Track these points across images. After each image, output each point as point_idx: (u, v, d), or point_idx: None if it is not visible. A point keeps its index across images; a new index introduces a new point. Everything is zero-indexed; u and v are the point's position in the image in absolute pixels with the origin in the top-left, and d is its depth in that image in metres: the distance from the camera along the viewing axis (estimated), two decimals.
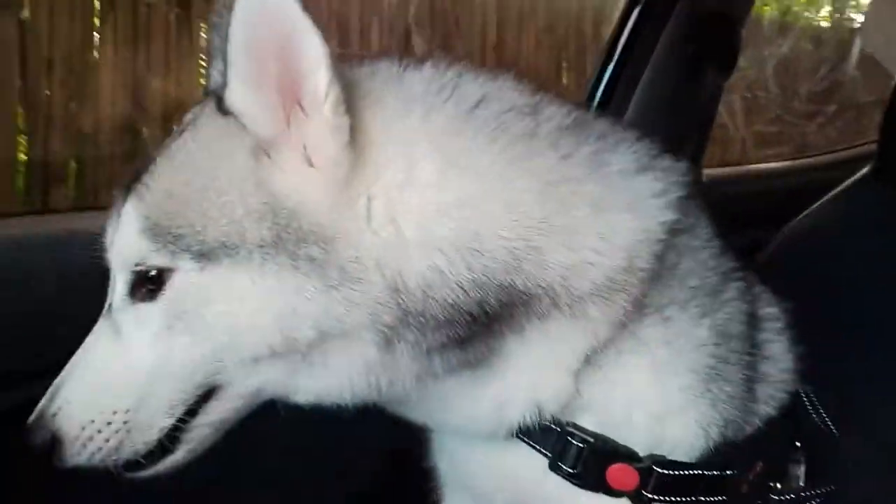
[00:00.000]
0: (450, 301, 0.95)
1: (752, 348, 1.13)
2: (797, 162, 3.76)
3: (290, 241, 0.95)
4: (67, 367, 1.04)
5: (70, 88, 3.77)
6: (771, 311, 1.23)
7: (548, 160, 1.02)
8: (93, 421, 1.00)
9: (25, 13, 3.66)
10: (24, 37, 3.59)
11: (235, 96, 0.97)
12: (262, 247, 0.95)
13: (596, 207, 1.01)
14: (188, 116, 1.11)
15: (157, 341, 0.99)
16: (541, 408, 1.03)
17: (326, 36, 0.92)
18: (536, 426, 1.04)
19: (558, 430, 1.04)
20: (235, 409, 1.04)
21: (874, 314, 1.55)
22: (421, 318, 0.95)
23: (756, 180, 3.41)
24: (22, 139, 3.69)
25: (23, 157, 3.65)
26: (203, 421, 1.03)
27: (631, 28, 2.38)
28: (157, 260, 0.97)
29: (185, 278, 0.97)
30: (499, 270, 0.96)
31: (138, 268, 0.99)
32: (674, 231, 1.05)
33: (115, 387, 1.01)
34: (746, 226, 2.03)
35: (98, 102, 3.92)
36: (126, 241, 1.00)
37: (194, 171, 1.00)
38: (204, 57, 1.23)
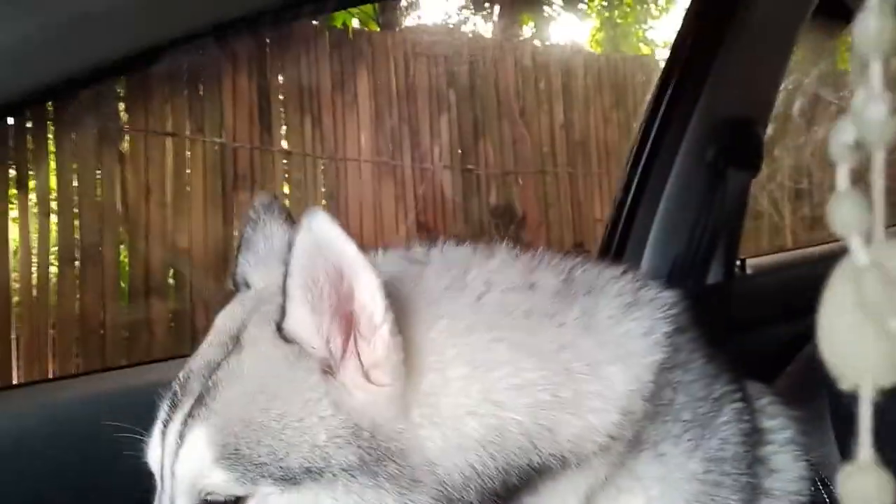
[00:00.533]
0: (484, 487, 1.01)
1: (751, 466, 1.14)
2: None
3: (372, 460, 0.98)
4: None
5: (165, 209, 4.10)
6: (776, 423, 1.25)
7: (547, 333, 1.08)
8: None
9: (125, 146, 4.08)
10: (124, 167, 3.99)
11: (297, 325, 1.01)
12: (346, 469, 0.98)
13: (592, 366, 1.06)
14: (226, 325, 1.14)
15: None
16: None
17: None
18: None
19: None
20: None
21: None
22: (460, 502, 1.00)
23: (804, 264, 3.32)
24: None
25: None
26: None
27: (653, 137, 2.41)
28: (235, 489, 0.98)
29: (264, 502, 0.98)
30: (519, 454, 1.01)
31: (210, 496, 1.00)
32: (664, 369, 1.08)
33: None
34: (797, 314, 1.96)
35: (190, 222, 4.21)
36: (196, 470, 1.00)
37: (269, 397, 1.01)
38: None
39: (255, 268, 1.25)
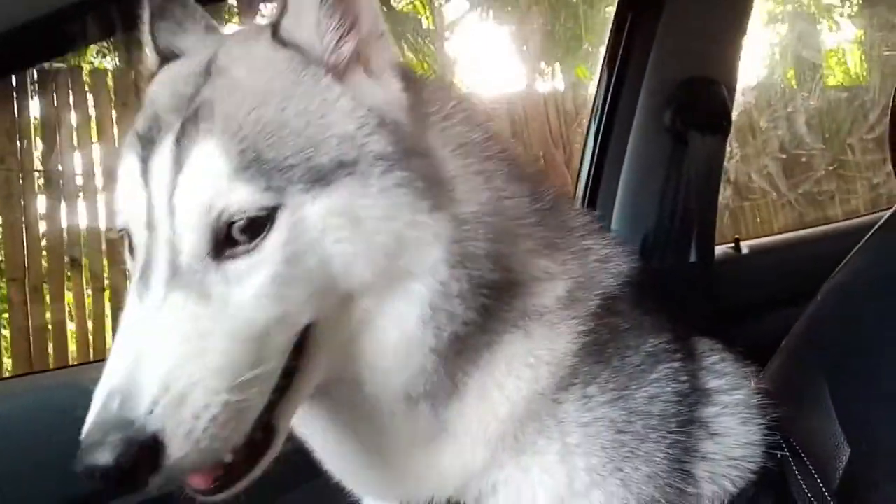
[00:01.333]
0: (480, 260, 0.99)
1: (684, 427, 1.10)
2: (846, 223, 3.49)
3: (403, 151, 0.94)
4: (123, 355, 0.83)
5: None
6: (722, 382, 1.20)
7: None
8: (207, 405, 0.81)
9: None
10: None
11: (296, 25, 0.99)
12: (380, 158, 0.93)
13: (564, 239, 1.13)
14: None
15: (262, 294, 0.87)
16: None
17: None
18: None
19: None
20: (315, 377, 0.96)
21: None
22: (469, 265, 0.97)
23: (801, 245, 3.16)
24: None
25: None
26: (291, 396, 0.93)
27: (608, 104, 2.29)
28: (263, 201, 0.87)
29: (295, 214, 0.88)
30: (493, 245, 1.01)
31: (236, 217, 0.87)
32: (610, 309, 1.10)
33: (219, 360, 0.84)
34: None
35: None
36: (212, 190, 0.87)
37: (282, 98, 0.93)
38: None
39: (179, 35, 1.13)
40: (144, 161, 0.92)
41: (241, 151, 0.88)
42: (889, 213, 1.81)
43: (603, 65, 2.35)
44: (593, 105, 2.36)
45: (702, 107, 2.23)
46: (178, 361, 0.81)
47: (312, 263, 0.89)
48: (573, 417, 1.04)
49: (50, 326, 3.86)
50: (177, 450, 0.79)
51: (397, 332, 0.96)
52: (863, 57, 6.75)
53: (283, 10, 0.99)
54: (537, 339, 1.04)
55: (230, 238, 0.87)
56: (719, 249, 2.79)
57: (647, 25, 2.22)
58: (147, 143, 0.92)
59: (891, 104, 1.70)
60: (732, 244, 2.89)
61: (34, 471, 1.53)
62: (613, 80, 2.27)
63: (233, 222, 0.87)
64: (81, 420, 0.83)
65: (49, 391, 1.75)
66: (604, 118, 2.29)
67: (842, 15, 6.96)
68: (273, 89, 0.94)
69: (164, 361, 0.81)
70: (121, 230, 0.98)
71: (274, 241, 0.87)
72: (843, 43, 6.97)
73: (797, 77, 5.94)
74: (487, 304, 1.00)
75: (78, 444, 0.82)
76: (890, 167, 1.80)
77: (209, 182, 0.87)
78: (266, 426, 0.90)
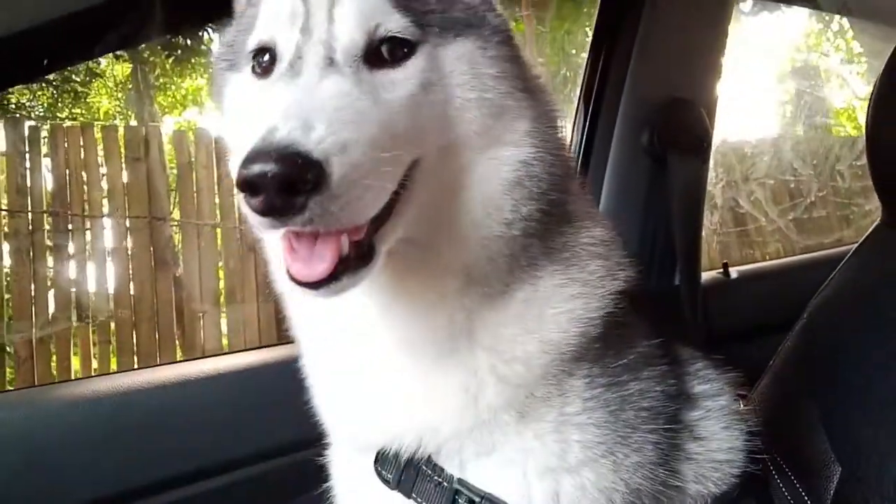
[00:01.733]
0: (547, 165, 1.13)
1: (671, 426, 1.15)
2: (837, 249, 3.47)
3: (510, 36, 1.13)
4: (289, 110, 0.89)
5: None
6: (707, 388, 1.26)
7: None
8: (362, 161, 0.88)
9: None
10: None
11: None
12: (497, 32, 1.11)
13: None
14: None
15: (401, 104, 1.00)
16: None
17: None
18: (429, 474, 1.10)
19: (445, 484, 1.08)
20: (410, 212, 1.02)
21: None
22: (542, 159, 1.11)
23: (793, 272, 3.14)
24: None
25: None
26: (391, 222, 1.00)
27: (587, 126, 2.28)
28: (410, 30, 1.03)
29: (433, 51, 1.05)
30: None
31: (392, 33, 1.02)
32: (620, 301, 1.14)
33: (373, 131, 0.93)
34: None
35: None
36: (374, 8, 1.02)
37: None
38: None
39: None
40: None
41: None
42: (871, 228, 1.80)
43: (581, 87, 2.35)
44: (572, 127, 2.35)
45: (679, 128, 2.23)
46: (342, 118, 0.89)
47: (439, 96, 1.04)
48: (576, 391, 1.09)
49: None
50: (336, 184, 0.84)
51: (482, 193, 1.07)
52: None
53: None
54: (577, 282, 1.13)
55: (378, 54, 1.02)
56: (708, 274, 2.78)
57: (623, 47, 2.23)
58: None
59: (865, 127, 1.70)
60: (721, 269, 2.87)
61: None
62: (592, 103, 2.26)
63: (384, 40, 1.02)
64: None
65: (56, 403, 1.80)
66: (583, 140, 2.28)
67: (850, 73, 7.02)
68: None
69: (329, 115, 0.89)
70: (258, 49, 1.08)
71: (415, 64, 1.03)
72: (853, 100, 7.00)
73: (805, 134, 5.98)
74: (547, 215, 1.11)
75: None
76: None
77: (366, 3, 1.02)
78: (369, 245, 0.97)
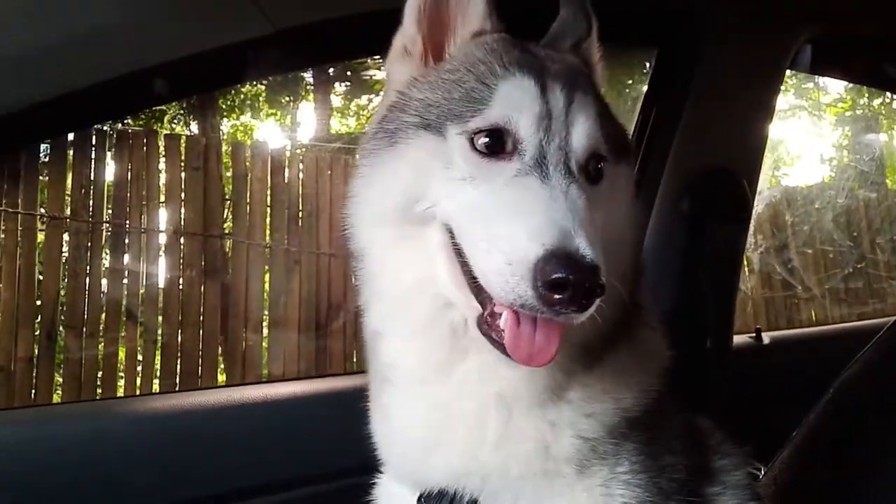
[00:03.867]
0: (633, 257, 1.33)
1: (694, 497, 1.23)
2: (870, 322, 3.47)
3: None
4: (561, 206, 1.05)
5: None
6: (725, 462, 1.33)
7: None
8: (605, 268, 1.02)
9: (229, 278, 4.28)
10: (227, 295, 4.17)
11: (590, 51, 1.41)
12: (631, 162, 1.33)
13: None
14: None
15: (597, 214, 1.12)
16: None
17: None
18: None
19: None
20: None
21: None
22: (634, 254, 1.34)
23: (826, 341, 3.15)
24: None
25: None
26: None
27: None
28: (605, 154, 1.18)
29: (610, 170, 1.20)
30: None
31: (599, 154, 1.17)
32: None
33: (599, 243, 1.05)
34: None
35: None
36: (596, 131, 1.17)
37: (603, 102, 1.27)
38: None
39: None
40: (541, 85, 1.17)
41: (600, 114, 1.19)
42: None
43: None
44: None
45: (720, 198, 2.29)
46: (591, 232, 1.02)
47: (610, 206, 1.19)
48: (628, 453, 1.18)
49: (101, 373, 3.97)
50: (604, 279, 0.99)
51: (615, 275, 1.14)
52: None
53: (586, 37, 1.38)
54: (646, 357, 1.28)
55: (586, 169, 1.16)
56: (741, 338, 2.81)
57: (671, 115, 2.31)
58: (537, 74, 1.18)
59: None
60: (754, 333, 2.90)
61: None
62: (636, 167, 2.34)
63: (592, 157, 1.16)
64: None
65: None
66: None
67: None
68: (598, 90, 1.30)
69: (594, 229, 1.05)
70: (488, 128, 1.16)
71: (606, 181, 1.18)
72: None
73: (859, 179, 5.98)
74: (628, 304, 1.22)
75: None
76: None
77: (592, 122, 1.17)
78: None
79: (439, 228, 1.14)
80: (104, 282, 4.09)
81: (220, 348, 4.21)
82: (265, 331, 4.35)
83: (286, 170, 4.55)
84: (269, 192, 4.40)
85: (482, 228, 1.06)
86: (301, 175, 4.56)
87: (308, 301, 4.32)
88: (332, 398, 2.05)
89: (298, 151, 5.06)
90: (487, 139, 1.13)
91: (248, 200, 4.35)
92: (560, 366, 1.17)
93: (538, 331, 1.04)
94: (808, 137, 6.63)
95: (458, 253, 1.11)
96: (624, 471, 1.17)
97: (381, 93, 1.37)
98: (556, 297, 0.95)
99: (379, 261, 1.23)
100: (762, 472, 1.60)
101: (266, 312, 4.38)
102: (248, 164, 4.44)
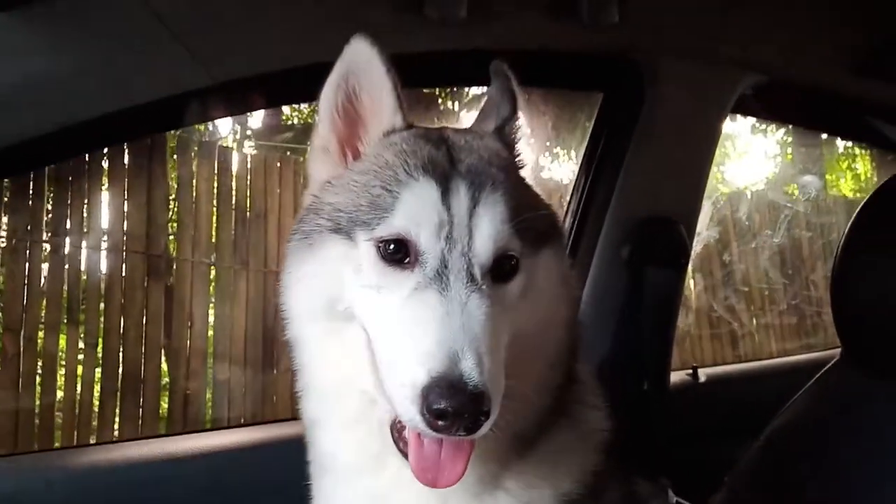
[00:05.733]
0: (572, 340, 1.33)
1: None
2: (807, 356, 3.56)
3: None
4: (448, 332, 1.04)
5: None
6: None
7: None
8: (501, 385, 1.04)
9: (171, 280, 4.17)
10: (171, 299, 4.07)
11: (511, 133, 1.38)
12: (559, 238, 1.30)
13: None
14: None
15: (510, 311, 1.14)
16: None
17: None
18: None
19: None
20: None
21: None
22: (572, 335, 1.33)
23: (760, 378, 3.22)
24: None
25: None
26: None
27: (572, 237, 2.39)
28: (519, 248, 1.16)
29: (527, 262, 1.18)
30: None
31: (508, 253, 1.15)
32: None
33: (503, 355, 1.08)
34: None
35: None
36: (501, 230, 1.15)
37: (523, 183, 1.28)
38: None
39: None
40: (443, 190, 1.15)
41: (514, 208, 1.16)
42: (832, 362, 1.88)
43: (569, 200, 2.46)
44: None
45: (660, 245, 2.34)
46: (490, 345, 1.04)
47: (536, 297, 1.19)
48: None
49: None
50: (493, 404, 1.00)
51: (546, 359, 1.23)
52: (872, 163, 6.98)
53: (511, 118, 1.35)
54: (583, 435, 1.29)
55: (495, 269, 1.15)
56: (677, 375, 2.85)
57: (614, 160, 2.35)
58: (440, 178, 1.16)
59: (832, 269, 1.77)
60: (690, 371, 2.94)
61: None
62: (578, 216, 2.38)
63: (502, 258, 1.15)
64: None
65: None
66: (567, 249, 2.37)
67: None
68: (518, 175, 1.29)
69: (486, 344, 1.04)
70: (392, 238, 1.15)
71: (519, 278, 1.17)
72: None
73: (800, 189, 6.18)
74: (568, 377, 1.26)
75: None
76: None
77: (499, 223, 1.15)
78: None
79: (360, 327, 1.14)
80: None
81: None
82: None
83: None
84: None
85: (387, 340, 1.09)
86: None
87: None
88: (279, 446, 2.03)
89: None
90: (392, 248, 1.14)
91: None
92: (494, 455, 1.19)
93: (444, 449, 1.06)
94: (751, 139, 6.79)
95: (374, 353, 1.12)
96: None
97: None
98: (440, 423, 0.98)
99: (309, 353, 1.24)
100: None
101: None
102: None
